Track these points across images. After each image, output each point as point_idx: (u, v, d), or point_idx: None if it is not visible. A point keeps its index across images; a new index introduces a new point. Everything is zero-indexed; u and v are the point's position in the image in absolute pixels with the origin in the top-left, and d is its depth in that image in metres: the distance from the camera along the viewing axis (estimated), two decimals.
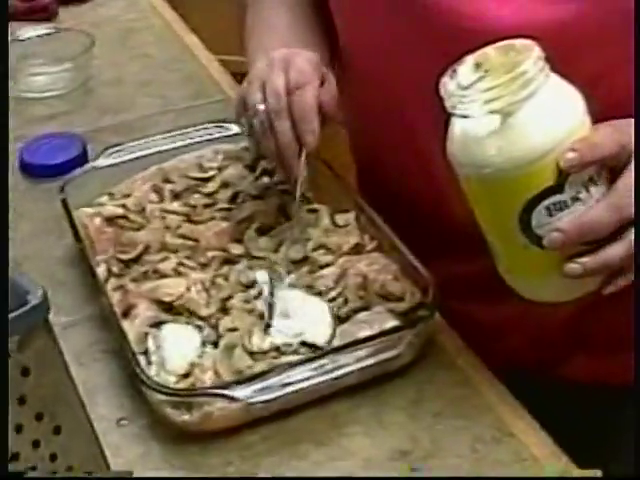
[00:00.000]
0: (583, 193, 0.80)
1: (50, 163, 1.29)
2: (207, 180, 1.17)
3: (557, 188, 0.79)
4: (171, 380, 0.91)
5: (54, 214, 1.20)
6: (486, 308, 1.09)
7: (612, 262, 0.81)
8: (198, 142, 1.21)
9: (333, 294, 0.98)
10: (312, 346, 0.92)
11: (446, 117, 0.83)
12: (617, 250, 0.81)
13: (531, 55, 0.79)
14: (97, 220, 1.12)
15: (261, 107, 1.02)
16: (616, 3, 0.89)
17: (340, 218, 1.08)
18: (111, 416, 0.93)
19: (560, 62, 0.81)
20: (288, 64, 1.03)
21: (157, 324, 0.97)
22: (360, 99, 1.13)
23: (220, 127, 1.22)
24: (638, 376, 0.88)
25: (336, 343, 0.92)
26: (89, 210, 1.13)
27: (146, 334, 0.95)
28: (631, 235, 0.80)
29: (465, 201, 0.86)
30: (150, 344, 0.94)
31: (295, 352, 0.92)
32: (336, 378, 0.90)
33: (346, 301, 0.98)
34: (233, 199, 1.13)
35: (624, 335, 1.09)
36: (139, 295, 1.00)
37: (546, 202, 0.80)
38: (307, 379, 0.89)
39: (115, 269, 1.05)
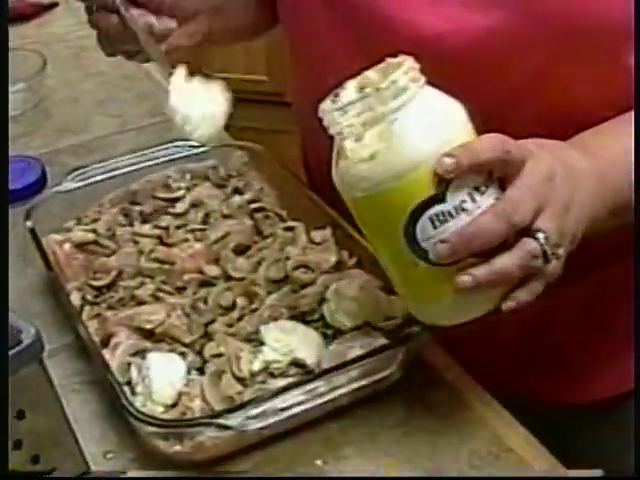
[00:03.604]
0: (468, 202, 0.76)
1: (11, 188, 1.26)
2: (176, 200, 1.15)
3: (439, 197, 0.76)
4: (158, 410, 0.88)
5: (18, 241, 1.17)
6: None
7: (506, 272, 0.77)
8: (163, 162, 1.19)
9: (318, 314, 0.96)
10: (301, 365, 0.91)
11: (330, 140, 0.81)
12: (510, 260, 0.77)
13: (401, 66, 0.78)
14: (66, 246, 1.09)
15: None
16: (543, 11, 0.88)
17: (316, 235, 1.07)
18: (97, 450, 0.90)
19: (491, 68, 0.80)
20: None
21: (139, 353, 0.94)
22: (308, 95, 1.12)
23: (184, 146, 1.20)
24: (638, 377, 0.88)
25: (326, 364, 0.90)
26: (57, 237, 1.10)
27: (129, 364, 0.93)
28: (527, 245, 0.77)
29: None
30: (134, 374, 0.92)
31: (284, 374, 0.90)
32: (329, 400, 0.88)
33: None
34: (205, 219, 1.11)
35: (574, 355, 1.10)
36: (118, 323, 0.97)
37: (429, 213, 0.76)
38: (300, 403, 0.87)
39: (89, 296, 1.03)
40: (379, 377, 0.90)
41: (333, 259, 1.03)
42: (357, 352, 0.91)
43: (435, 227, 0.77)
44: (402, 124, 0.76)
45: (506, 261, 0.76)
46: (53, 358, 1.00)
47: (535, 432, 0.91)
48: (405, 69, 0.77)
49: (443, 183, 0.76)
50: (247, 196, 1.14)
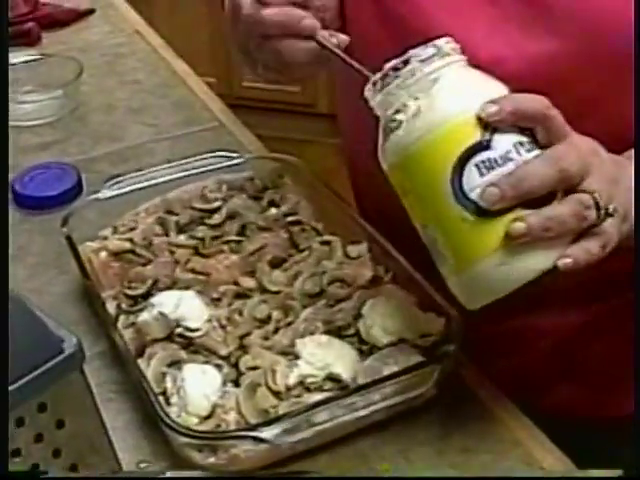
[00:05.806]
0: (513, 153, 0.76)
1: (46, 195, 1.27)
2: (212, 211, 1.15)
3: (485, 144, 0.76)
4: (193, 422, 0.89)
5: (53, 248, 1.18)
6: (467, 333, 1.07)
7: (560, 219, 0.75)
8: (200, 172, 1.19)
9: (354, 329, 0.96)
10: (337, 380, 0.91)
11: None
12: (563, 208, 0.75)
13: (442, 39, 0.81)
14: (102, 255, 1.09)
15: None
16: (602, 38, 0.88)
17: (352, 250, 1.06)
18: (130, 459, 0.91)
19: (549, 92, 0.80)
20: None
21: (174, 363, 0.95)
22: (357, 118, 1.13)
23: (222, 156, 1.20)
24: (638, 378, 0.87)
25: (362, 379, 0.90)
26: (93, 245, 1.11)
27: (164, 374, 0.93)
28: (578, 196, 0.75)
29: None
30: (169, 384, 0.92)
31: (319, 388, 0.90)
32: (364, 416, 0.88)
33: None
34: (241, 231, 1.11)
35: (609, 368, 1.09)
36: None
37: (475, 159, 0.76)
38: (335, 418, 0.87)
39: (124, 305, 1.03)
40: (414, 394, 0.90)
41: (369, 274, 1.02)
42: (393, 368, 0.91)
43: (482, 175, 0.76)
44: (444, 82, 0.79)
45: (559, 210, 0.75)
46: (86, 366, 1.00)
47: (568, 448, 0.91)
48: (446, 40, 0.80)
49: (488, 129, 0.76)
50: (283, 209, 1.14)
